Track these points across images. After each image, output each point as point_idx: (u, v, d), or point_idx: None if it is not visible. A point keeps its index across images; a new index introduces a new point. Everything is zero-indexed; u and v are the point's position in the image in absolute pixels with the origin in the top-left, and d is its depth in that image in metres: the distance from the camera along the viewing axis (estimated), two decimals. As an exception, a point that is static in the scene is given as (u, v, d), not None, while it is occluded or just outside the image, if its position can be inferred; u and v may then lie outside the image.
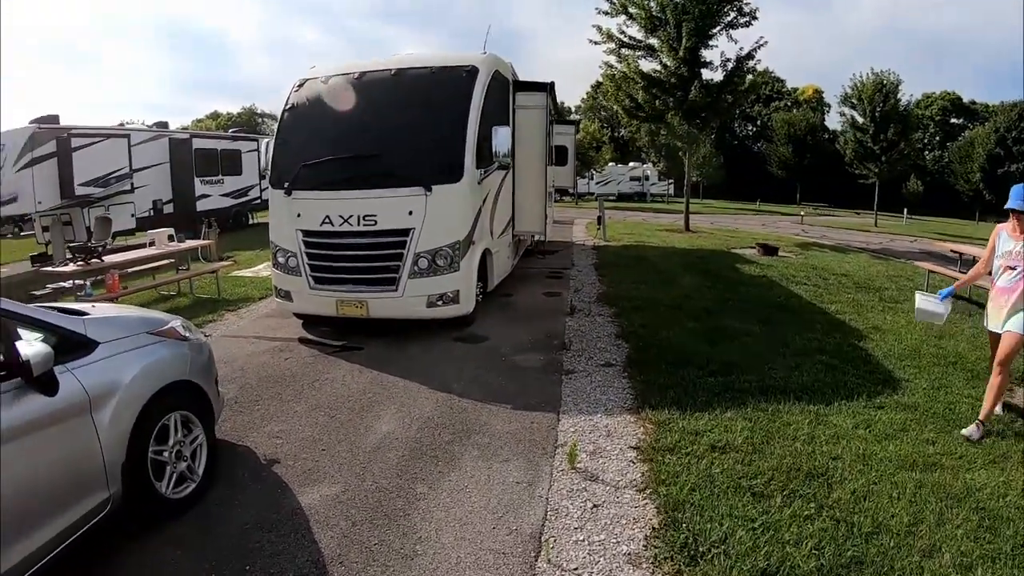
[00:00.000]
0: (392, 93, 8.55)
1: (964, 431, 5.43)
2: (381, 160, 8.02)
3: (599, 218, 19.07)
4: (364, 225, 7.82)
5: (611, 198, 46.55)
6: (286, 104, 8.98)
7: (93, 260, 10.47)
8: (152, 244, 12.21)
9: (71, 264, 10.51)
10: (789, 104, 72.40)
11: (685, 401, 6.11)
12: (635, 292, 10.91)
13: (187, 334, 5.03)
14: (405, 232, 7.77)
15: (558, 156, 14.98)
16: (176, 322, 5.03)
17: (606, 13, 21.37)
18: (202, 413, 4.89)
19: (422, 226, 7.72)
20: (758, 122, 73.83)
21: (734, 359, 7.33)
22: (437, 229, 7.77)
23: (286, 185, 8.35)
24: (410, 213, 7.74)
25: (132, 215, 20.90)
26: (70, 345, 3.89)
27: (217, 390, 5.38)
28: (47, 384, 3.42)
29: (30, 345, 3.36)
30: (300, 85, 9.02)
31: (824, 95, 72.92)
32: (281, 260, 8.52)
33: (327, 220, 7.98)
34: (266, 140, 8.95)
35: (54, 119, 19.19)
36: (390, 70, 8.61)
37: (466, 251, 8.00)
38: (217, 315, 10.51)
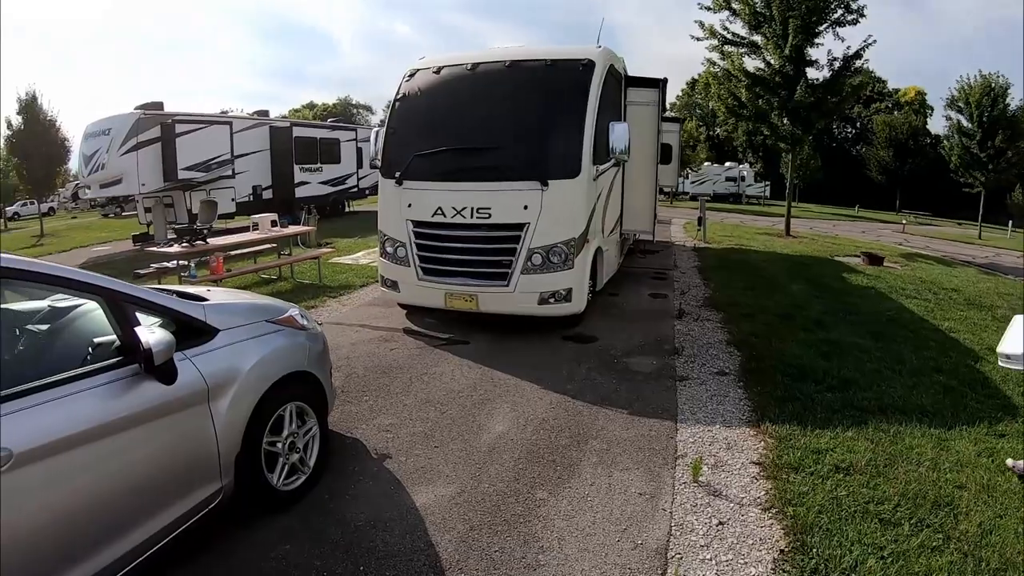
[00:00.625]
0: (506, 85, 8.35)
1: None
2: (496, 153, 7.86)
3: (700, 219, 18.54)
4: (477, 218, 7.66)
5: (705, 198, 45.42)
6: (397, 94, 8.88)
7: (198, 242, 10.63)
8: (256, 228, 12.34)
9: (176, 245, 10.70)
10: (890, 106, 69.40)
11: (805, 417, 5.75)
12: (743, 298, 10.45)
13: (305, 323, 4.92)
14: (519, 227, 7.57)
15: (663, 154, 14.58)
16: (294, 310, 4.93)
17: (708, 8, 20.73)
18: (317, 404, 4.79)
19: (537, 221, 7.51)
20: (857, 124, 71.03)
21: (850, 375, 6.88)
22: (552, 225, 7.55)
23: (397, 175, 8.25)
24: (525, 207, 7.53)
25: (232, 199, 21.67)
26: (190, 332, 3.81)
27: (331, 380, 5.27)
28: (166, 372, 3.32)
29: (152, 332, 3.27)
30: (411, 75, 8.91)
31: (927, 97, 69.83)
32: (389, 249, 8.44)
33: (439, 211, 7.85)
34: (375, 129, 8.88)
35: (158, 106, 20.01)
36: (504, 62, 8.41)
37: (580, 248, 7.75)
38: (319, 301, 10.55)
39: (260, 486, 4.16)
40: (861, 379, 6.77)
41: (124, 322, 3.33)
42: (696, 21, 20.79)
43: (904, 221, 34.82)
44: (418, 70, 8.91)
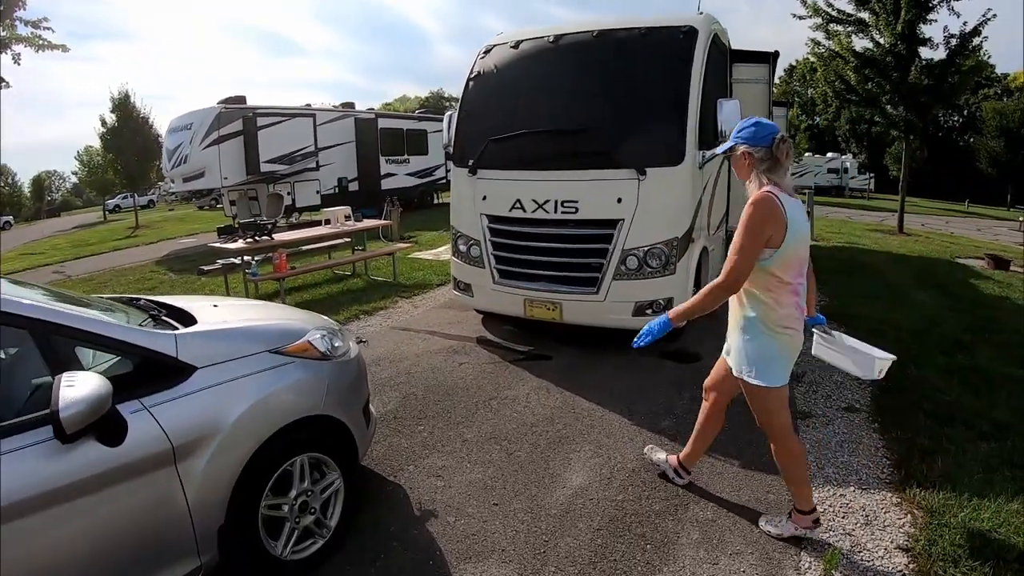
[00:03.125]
0: (594, 58, 7.09)
1: None
2: (584, 136, 6.59)
3: (807, 214, 16.81)
4: (562, 212, 6.46)
5: (805, 191, 42.78)
6: (471, 73, 7.74)
7: (263, 237, 9.81)
8: (327, 222, 11.45)
9: (240, 240, 9.91)
10: (999, 92, 64.32)
11: (958, 477, 4.33)
12: (866, 309, 8.88)
13: (326, 348, 3.84)
14: (612, 223, 6.33)
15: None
16: (314, 335, 3.84)
17: None
18: (341, 452, 3.75)
19: (633, 217, 6.25)
20: (964, 112, 66.09)
21: (1005, 417, 5.39)
22: (651, 221, 6.28)
23: (470, 163, 7.15)
24: (619, 200, 6.28)
25: (317, 192, 21.37)
26: (154, 371, 2.92)
27: (368, 415, 4.25)
28: (109, 430, 2.42)
29: (76, 382, 2.30)
30: (486, 51, 7.77)
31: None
32: (462, 248, 7.34)
33: (518, 204, 6.70)
34: (449, 113, 7.76)
35: (241, 100, 19.70)
36: (591, 32, 7.12)
37: (684, 250, 6.45)
38: (390, 301, 9.63)
39: (259, 558, 3.18)
40: (1018, 423, 5.27)
41: (56, 363, 2.41)
42: (799, -2, 19.02)
43: (1021, 218, 31.69)
44: (494, 46, 7.76)
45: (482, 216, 7.01)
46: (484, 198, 7.01)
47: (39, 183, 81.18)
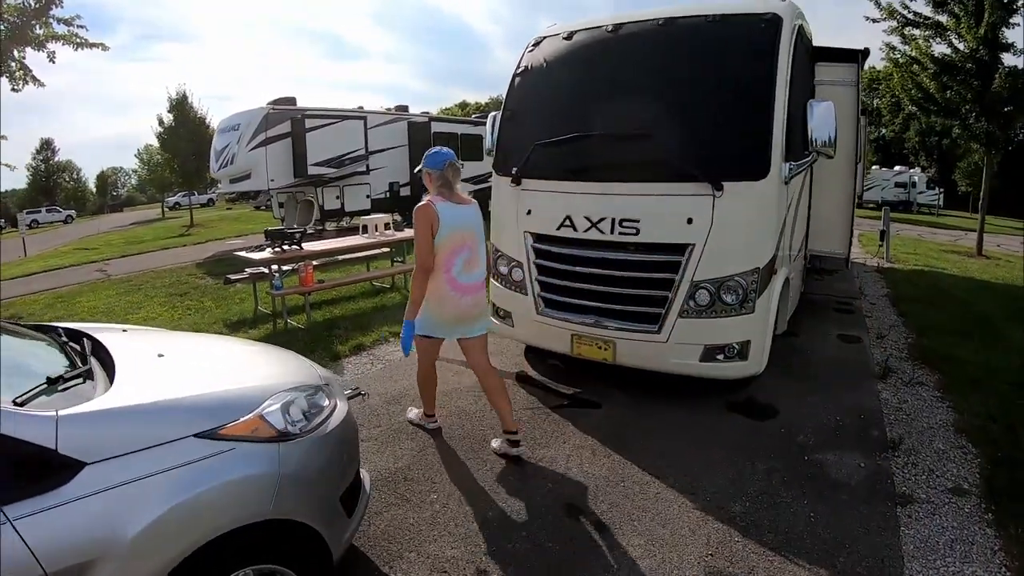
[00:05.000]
0: (660, 50, 5.92)
1: None
2: (647, 142, 5.42)
3: (882, 232, 15.22)
4: (620, 233, 5.32)
5: (870, 206, 40.66)
6: (517, 68, 6.64)
7: (291, 247, 8.88)
8: (364, 230, 10.46)
9: (268, 250, 9.01)
10: None
11: None
12: (958, 350, 7.49)
13: (285, 424, 2.84)
14: (680, 249, 5.16)
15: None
16: (269, 407, 2.84)
17: None
18: (304, 560, 2.76)
19: (706, 242, 5.08)
20: None
21: None
22: (728, 248, 5.10)
23: (514, 171, 6.06)
24: (689, 221, 5.12)
25: (367, 196, 20.63)
26: (21, 470, 2.11)
27: (356, 497, 3.35)
28: None
29: None
30: (536, 44, 6.67)
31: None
32: (503, 270, 6.25)
33: (567, 222, 5.58)
34: (493, 114, 6.69)
35: (291, 101, 19.08)
36: (656, 20, 5.94)
37: (766, 283, 5.25)
38: None
39: None
40: None
41: None
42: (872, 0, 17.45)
43: (1106, 239, 29.38)
44: (544, 37, 6.65)
45: (526, 234, 5.92)
46: (528, 213, 5.92)
47: (103, 179, 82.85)
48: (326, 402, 3.22)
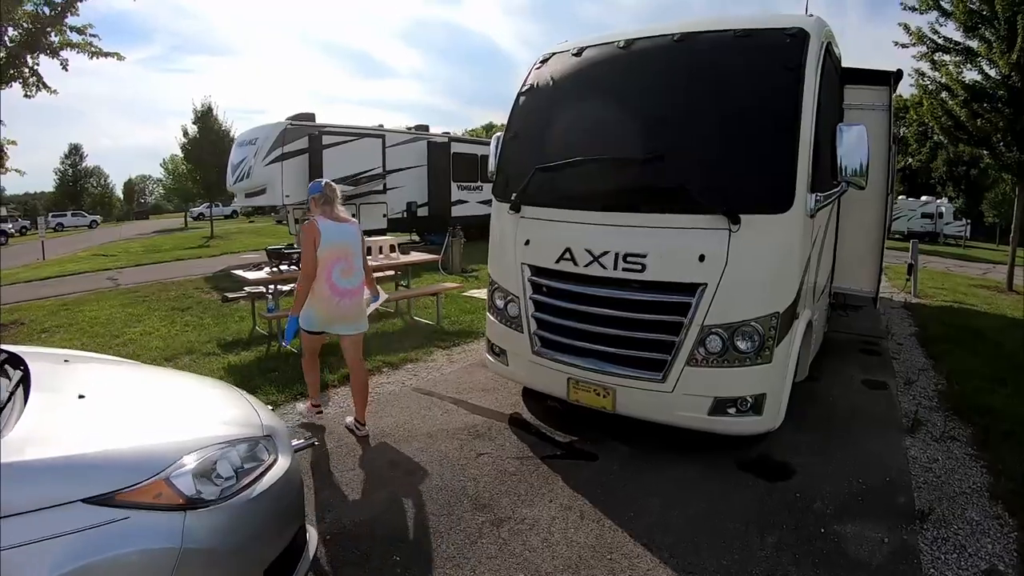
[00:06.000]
0: (675, 68, 5.32)
1: None
2: (657, 168, 4.85)
3: (910, 266, 14.46)
4: (624, 270, 4.74)
5: (896, 236, 39.57)
6: (523, 86, 6.12)
7: (291, 267, 8.40)
8: (368, 253, 9.91)
9: (265, 269, 8.54)
10: None
11: None
12: (993, 398, 6.75)
13: (194, 490, 2.48)
14: (691, 289, 4.56)
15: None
16: (178, 468, 2.46)
17: (913, 8, 16.57)
18: None
19: (720, 281, 4.47)
20: None
21: None
22: (744, 289, 4.50)
23: (513, 197, 5.52)
24: (701, 258, 4.52)
25: (384, 215, 20.14)
26: None
27: (295, 548, 2.99)
28: None
29: None
30: (544, 61, 6.14)
31: None
32: (499, 303, 5.71)
33: (567, 255, 5.02)
34: (497, 135, 6.16)
35: (309, 117, 18.71)
36: (671, 35, 5.35)
37: (787, 329, 4.63)
38: (424, 352, 8.10)
39: None
40: None
41: None
42: (900, 24, 16.75)
43: None
44: (553, 54, 6.12)
45: (523, 266, 5.37)
46: (527, 243, 5.37)
47: (130, 186, 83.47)
48: (265, 456, 2.81)
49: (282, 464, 2.89)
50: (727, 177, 4.68)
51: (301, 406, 6.00)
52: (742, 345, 4.48)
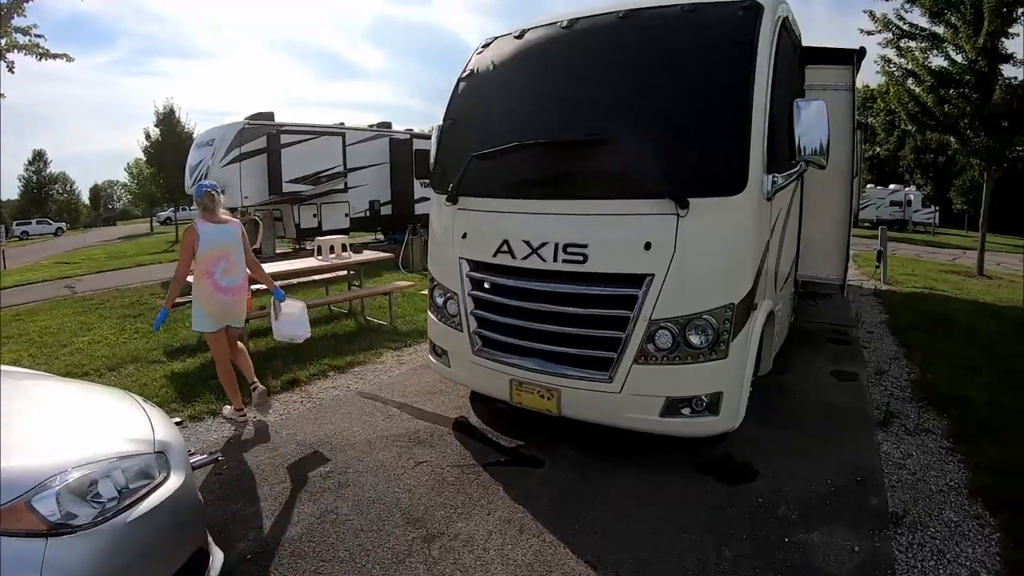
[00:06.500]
0: (620, 47, 4.90)
1: None
2: (597, 151, 4.45)
3: (879, 253, 14.21)
4: (564, 262, 4.34)
5: (865, 224, 39.62)
6: (463, 72, 5.72)
7: None
8: (319, 252, 9.45)
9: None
10: None
11: None
12: (968, 388, 6.49)
13: (59, 514, 2.25)
14: (636, 280, 4.15)
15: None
16: (42, 492, 2.27)
17: None
18: None
19: (668, 271, 4.07)
20: None
21: None
22: (695, 279, 4.11)
23: (450, 187, 5.10)
24: (647, 247, 4.12)
25: (346, 215, 19.66)
26: None
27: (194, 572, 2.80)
28: None
29: None
30: (485, 45, 5.75)
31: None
32: (438, 301, 5.29)
33: (505, 247, 4.61)
34: (437, 124, 5.73)
35: (269, 116, 18.15)
36: (616, 13, 4.97)
37: (743, 321, 4.24)
38: (373, 353, 7.71)
39: None
40: None
41: None
42: (866, 11, 16.57)
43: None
44: (496, 38, 5.73)
45: (461, 261, 4.95)
46: (464, 236, 4.95)
47: (96, 192, 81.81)
48: (156, 474, 2.65)
49: (174, 482, 2.68)
50: (675, 159, 4.27)
51: (228, 408, 5.80)
52: (695, 340, 4.08)
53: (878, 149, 54.37)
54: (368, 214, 20.39)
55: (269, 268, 8.88)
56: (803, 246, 6.74)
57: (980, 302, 12.47)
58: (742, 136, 4.13)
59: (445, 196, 5.14)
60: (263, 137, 17.27)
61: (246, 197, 17.17)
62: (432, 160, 5.66)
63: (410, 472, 4.65)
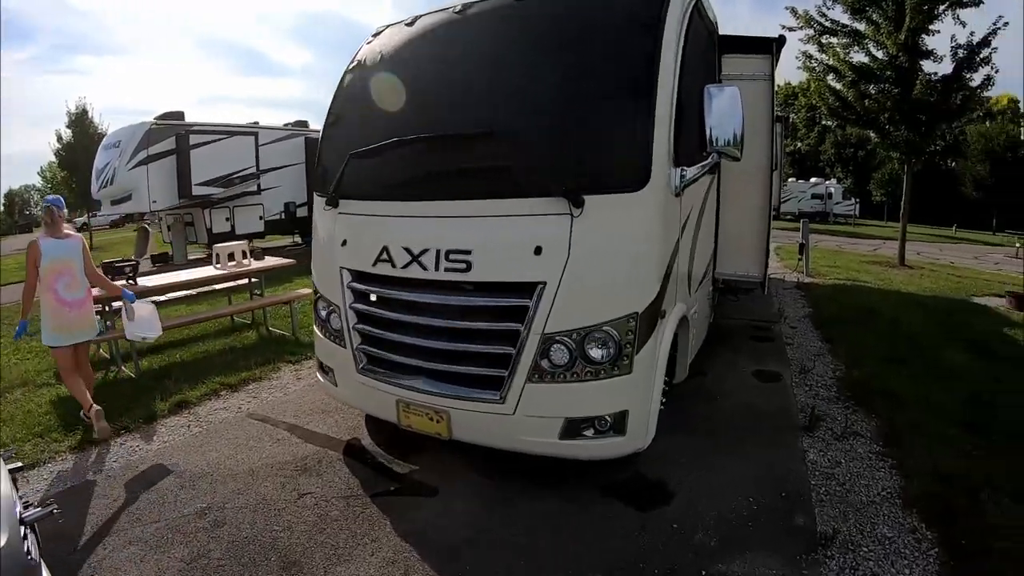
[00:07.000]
0: (512, 33, 4.46)
1: None
2: (485, 146, 3.94)
3: (801, 246, 14.12)
4: (447, 270, 3.85)
5: (788, 217, 40.36)
6: (350, 63, 5.19)
7: (128, 282, 7.29)
8: (218, 260, 8.71)
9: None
10: (981, 115, 61.18)
11: None
12: (894, 382, 6.27)
13: None
14: (527, 289, 3.68)
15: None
16: None
17: None
18: None
19: (561, 279, 3.61)
20: (947, 136, 62.70)
21: None
22: (592, 286, 3.65)
23: (330, 190, 4.57)
24: (537, 251, 3.65)
25: (260, 217, 18.59)
26: None
27: None
28: None
29: None
30: (375, 35, 5.26)
31: (1020, 105, 61.56)
32: (322, 314, 4.75)
33: (385, 255, 4.09)
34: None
35: (178, 115, 17.09)
36: None
37: (649, 331, 3.81)
38: (271, 368, 7.14)
39: None
40: None
41: None
42: (788, 8, 16.53)
43: (1018, 244, 29.28)
44: (388, 26, 5.24)
45: (342, 271, 4.42)
46: (344, 243, 4.43)
47: (11, 198, 77.88)
48: None
49: None
50: (569, 152, 3.81)
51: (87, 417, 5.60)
52: (594, 355, 3.63)
53: (800, 144, 55.63)
54: (284, 216, 19.40)
55: (164, 279, 8.19)
56: (721, 243, 6.40)
57: (903, 292, 12.49)
58: (644, 126, 3.70)
59: (325, 199, 4.60)
60: (171, 138, 16.19)
61: (154, 202, 16.07)
62: (317, 160, 5.10)
63: (292, 506, 4.14)
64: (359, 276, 4.31)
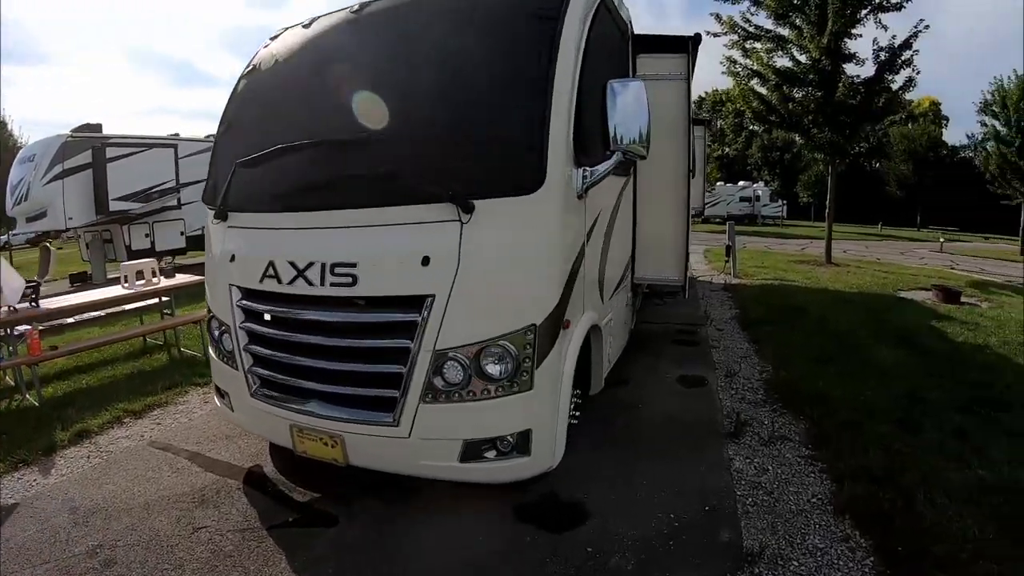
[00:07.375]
0: (405, 31, 4.26)
1: None
2: (369, 151, 3.75)
3: (728, 248, 14.22)
4: (333, 284, 3.58)
5: (716, 220, 41.18)
6: (245, 68, 4.94)
7: (31, 304, 6.83)
8: (126, 280, 8.19)
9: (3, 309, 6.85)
10: (903, 117, 63.59)
11: None
12: (824, 382, 6.25)
13: None
14: (414, 303, 3.44)
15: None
16: None
17: None
18: None
19: (451, 291, 3.38)
20: (871, 138, 64.76)
21: None
22: (486, 297, 3.44)
23: (219, 202, 4.28)
24: (425, 262, 3.43)
25: (181, 233, 17.93)
26: None
27: None
28: None
29: None
30: (273, 38, 5.03)
31: (941, 107, 64.28)
32: (215, 335, 4.43)
33: (271, 269, 3.81)
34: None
35: (96, 128, 16.40)
36: None
37: (550, 343, 3.60)
38: (178, 392, 6.77)
39: None
40: None
41: None
42: (712, 14, 16.78)
43: (942, 239, 30.15)
44: (286, 29, 5.00)
45: (231, 288, 4.12)
46: (232, 259, 4.14)
47: (-68, 215, 74.46)
48: None
49: None
50: (457, 154, 3.61)
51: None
52: (491, 371, 3.41)
53: (727, 149, 56.96)
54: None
55: (68, 300, 7.67)
56: (639, 247, 6.27)
57: (830, 290, 12.67)
58: (538, 123, 3.51)
59: (214, 212, 4.30)
60: (88, 151, 15.49)
61: (70, 218, 15.34)
62: (208, 171, 4.80)
63: (185, 542, 3.81)
64: (248, 293, 4.02)
